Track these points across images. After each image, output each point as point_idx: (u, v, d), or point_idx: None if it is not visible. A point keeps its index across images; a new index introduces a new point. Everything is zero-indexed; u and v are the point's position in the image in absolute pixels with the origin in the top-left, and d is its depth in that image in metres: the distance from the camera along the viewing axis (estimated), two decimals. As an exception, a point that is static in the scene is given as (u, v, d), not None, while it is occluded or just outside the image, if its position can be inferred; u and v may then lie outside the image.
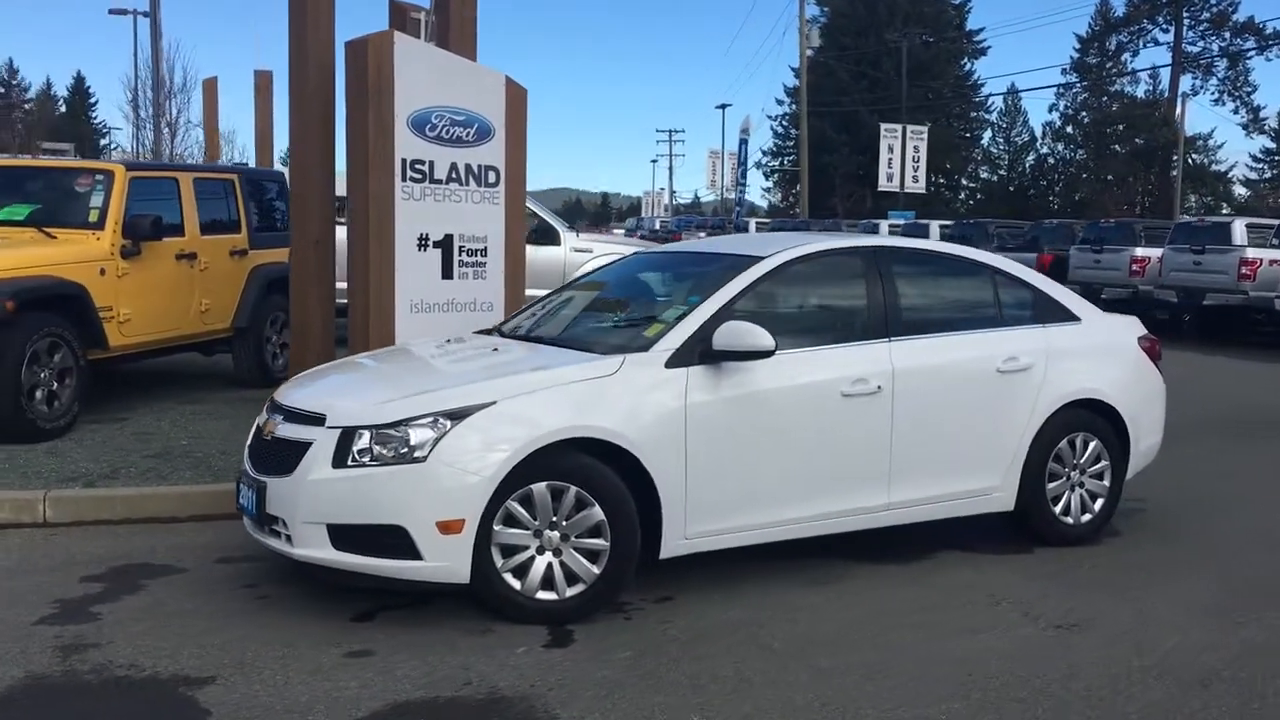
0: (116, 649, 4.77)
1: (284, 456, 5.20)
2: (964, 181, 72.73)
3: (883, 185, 42.99)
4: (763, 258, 6.01)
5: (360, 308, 8.53)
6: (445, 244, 8.87)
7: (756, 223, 39.97)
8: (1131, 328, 7.12)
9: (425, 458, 4.95)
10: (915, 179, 42.56)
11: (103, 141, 74.49)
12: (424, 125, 8.73)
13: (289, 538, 5.15)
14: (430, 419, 5.03)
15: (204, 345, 10.74)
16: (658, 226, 46.35)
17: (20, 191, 9.54)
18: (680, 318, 5.67)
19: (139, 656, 4.69)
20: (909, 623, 5.28)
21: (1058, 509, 6.55)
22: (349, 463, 5.01)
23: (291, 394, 5.63)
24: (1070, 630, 5.23)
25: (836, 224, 34.02)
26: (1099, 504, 6.70)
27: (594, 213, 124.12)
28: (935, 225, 29.16)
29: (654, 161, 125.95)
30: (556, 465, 5.14)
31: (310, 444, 5.12)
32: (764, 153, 69.35)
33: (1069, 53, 68.16)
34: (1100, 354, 6.78)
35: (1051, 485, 6.52)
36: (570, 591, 5.18)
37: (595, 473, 5.18)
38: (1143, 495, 7.74)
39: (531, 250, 13.44)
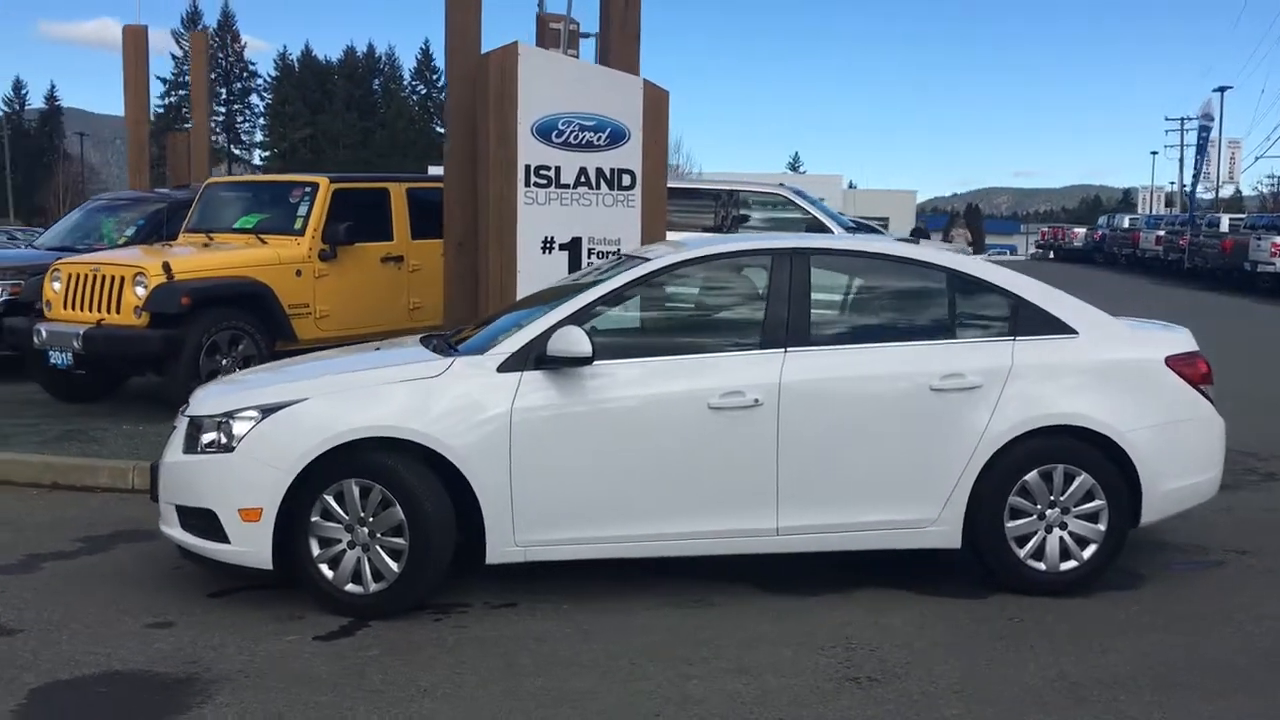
0: (-8, 600, 5.55)
1: (169, 442, 5.76)
2: None
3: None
4: (645, 260, 5.75)
5: (484, 308, 9.00)
6: (573, 247, 9.10)
7: (1230, 219, 35.71)
8: (1161, 344, 5.94)
9: (235, 448, 5.30)
10: None
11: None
12: (550, 132, 9.01)
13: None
14: (251, 412, 5.36)
15: (424, 341, 11.68)
16: (1126, 224, 42.58)
17: (257, 203, 10.96)
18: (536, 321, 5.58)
19: (-2, 608, 5.44)
20: (693, 657, 4.88)
21: (1023, 551, 5.65)
22: (197, 450, 5.46)
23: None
24: (857, 684, 4.60)
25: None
26: (1090, 551, 5.68)
27: (1111, 209, 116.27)
28: None
29: (1154, 154, 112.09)
30: (366, 463, 5.28)
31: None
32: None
33: None
34: (1099, 373, 5.73)
35: (1015, 524, 5.64)
36: (375, 587, 5.31)
37: (397, 472, 5.26)
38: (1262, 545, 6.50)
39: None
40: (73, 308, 9.72)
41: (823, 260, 5.84)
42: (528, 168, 8.90)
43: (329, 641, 5.05)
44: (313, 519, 5.31)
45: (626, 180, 9.23)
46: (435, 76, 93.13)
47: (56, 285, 9.93)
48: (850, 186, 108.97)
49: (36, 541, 6.51)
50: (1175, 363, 5.84)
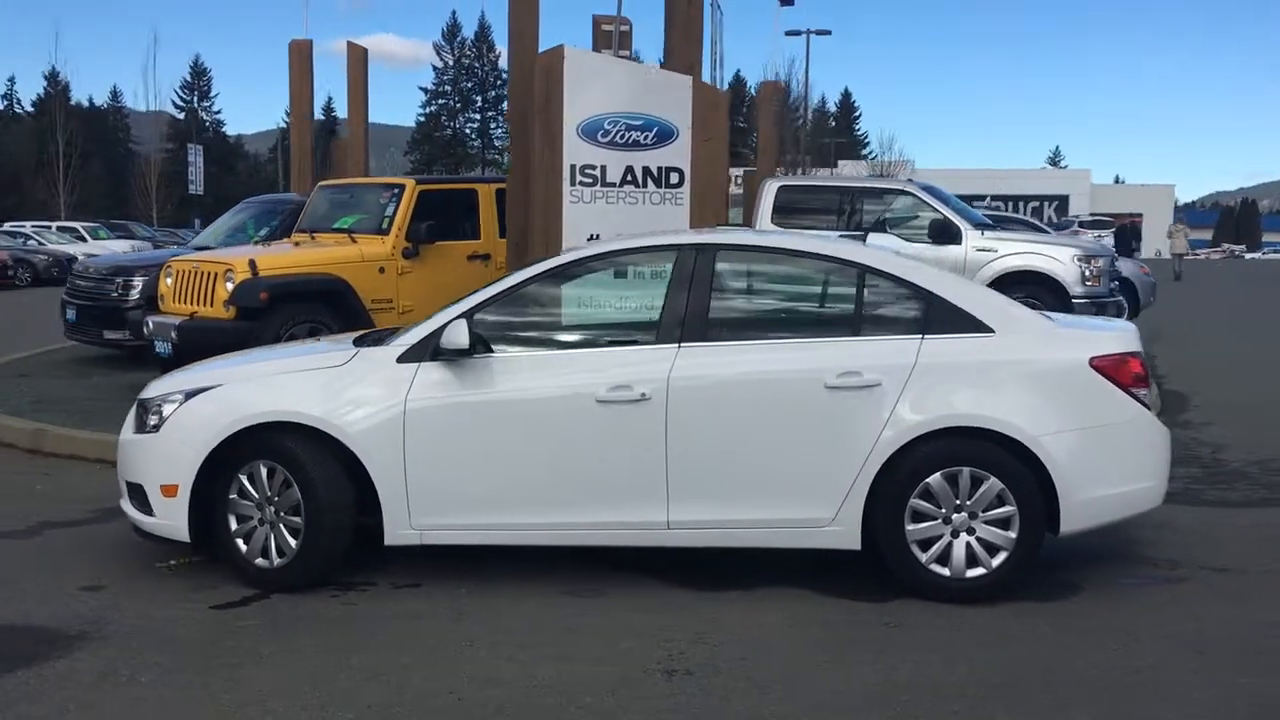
0: (-27, 558, 6.21)
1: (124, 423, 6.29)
2: None
3: None
4: (549, 258, 5.86)
5: (531, 304, 9.30)
6: (618, 244, 9.26)
7: None
8: (1087, 343, 5.58)
9: (161, 429, 5.75)
10: None
11: (864, 150, 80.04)
12: (596, 132, 9.24)
13: (122, 492, 6.23)
14: (177, 396, 5.81)
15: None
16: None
17: (355, 204, 11.62)
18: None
19: (-33, 565, 6.08)
20: (536, 642, 4.98)
21: (925, 556, 5.46)
22: (143, 430, 5.96)
23: (177, 372, 6.68)
24: (667, 677, 4.61)
25: None
26: (999, 558, 5.44)
27: None
28: None
29: None
30: (272, 446, 5.63)
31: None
32: None
33: None
34: (1013, 373, 5.47)
35: (916, 526, 5.46)
36: (279, 562, 5.65)
37: (296, 455, 5.58)
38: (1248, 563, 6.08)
39: (929, 250, 12.96)
40: (178, 301, 10.60)
41: (730, 256, 5.81)
42: (573, 167, 9.14)
43: (222, 610, 5.43)
44: (230, 496, 5.70)
45: (674, 178, 9.34)
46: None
47: (169, 281, 10.84)
48: (1117, 181, 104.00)
49: (58, 510, 7.20)
50: (1102, 364, 5.50)
